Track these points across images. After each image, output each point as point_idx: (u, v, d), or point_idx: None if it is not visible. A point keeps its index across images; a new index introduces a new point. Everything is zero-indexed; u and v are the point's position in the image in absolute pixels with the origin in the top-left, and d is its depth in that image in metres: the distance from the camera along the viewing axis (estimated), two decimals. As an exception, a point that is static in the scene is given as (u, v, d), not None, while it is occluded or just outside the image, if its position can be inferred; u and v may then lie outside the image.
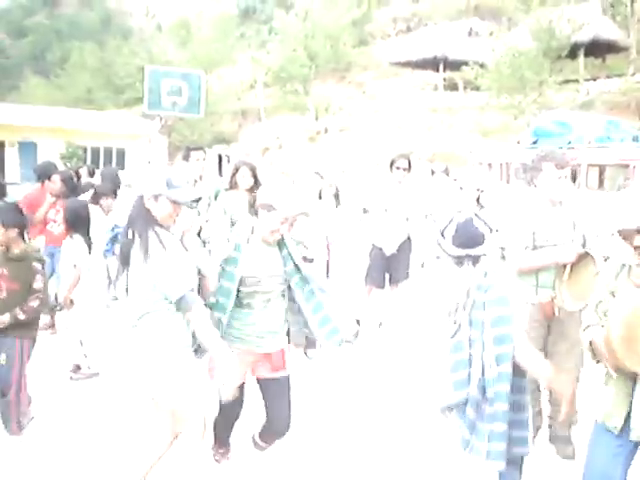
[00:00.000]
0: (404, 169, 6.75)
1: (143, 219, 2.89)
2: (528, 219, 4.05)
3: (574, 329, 4.12)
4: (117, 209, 5.84)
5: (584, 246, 4.06)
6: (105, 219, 5.80)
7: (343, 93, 34.23)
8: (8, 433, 3.87)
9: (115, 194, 6.19)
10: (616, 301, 2.52)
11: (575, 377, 4.17)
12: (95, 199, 5.98)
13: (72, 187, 6.17)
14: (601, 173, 11.55)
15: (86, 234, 5.19)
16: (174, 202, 2.90)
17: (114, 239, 5.52)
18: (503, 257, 4.15)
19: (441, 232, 2.85)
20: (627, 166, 10.66)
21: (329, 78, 35.61)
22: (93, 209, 5.62)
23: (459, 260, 2.81)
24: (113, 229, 5.57)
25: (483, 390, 2.66)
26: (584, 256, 3.79)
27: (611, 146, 11.20)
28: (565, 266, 3.82)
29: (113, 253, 5.62)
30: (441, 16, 38.69)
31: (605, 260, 3.78)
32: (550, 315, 4.05)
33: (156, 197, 2.90)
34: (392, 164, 6.73)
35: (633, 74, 26.69)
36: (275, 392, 3.41)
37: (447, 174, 6.76)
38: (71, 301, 5.02)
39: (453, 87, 31.27)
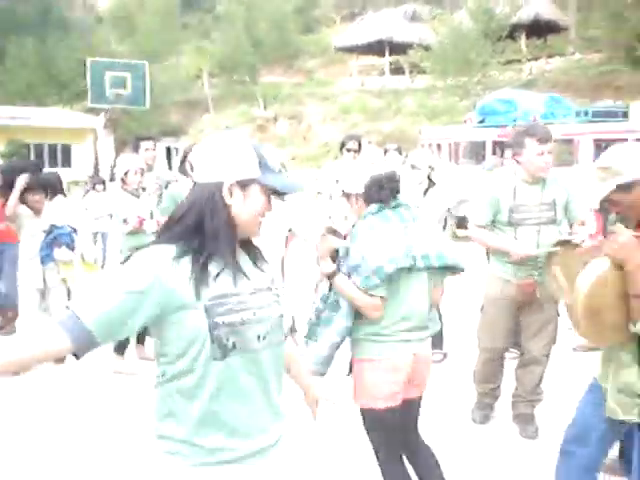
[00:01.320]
0: (355, 151, 6.78)
1: (223, 227, 1.72)
2: (504, 195, 4.05)
3: (549, 308, 4.21)
4: (54, 209, 5.26)
5: (570, 227, 4.09)
6: (36, 220, 5.19)
7: (291, 80, 34.10)
8: None
9: (46, 191, 5.31)
10: (583, 272, 2.54)
11: (547, 352, 4.27)
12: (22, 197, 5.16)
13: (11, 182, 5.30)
14: (547, 149, 11.81)
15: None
16: (273, 192, 1.78)
17: (52, 242, 5.13)
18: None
19: None
20: (571, 141, 10.95)
21: (276, 66, 35.43)
22: (22, 209, 5.15)
23: None
24: (51, 231, 5.15)
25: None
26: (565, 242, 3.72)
27: (555, 122, 11.47)
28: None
29: (52, 259, 5.20)
30: (384, 1, 38.87)
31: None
32: (530, 296, 4.06)
33: (244, 185, 1.73)
34: (342, 146, 6.74)
35: (573, 53, 27.33)
36: None
37: (399, 153, 6.79)
38: None
39: (399, 71, 31.46)
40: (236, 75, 33.01)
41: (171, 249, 1.68)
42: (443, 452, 3.44)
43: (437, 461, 3.02)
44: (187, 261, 1.67)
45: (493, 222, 4.06)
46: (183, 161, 6.52)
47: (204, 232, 1.71)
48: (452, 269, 2.86)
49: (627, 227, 2.70)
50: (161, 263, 1.66)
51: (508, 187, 4.01)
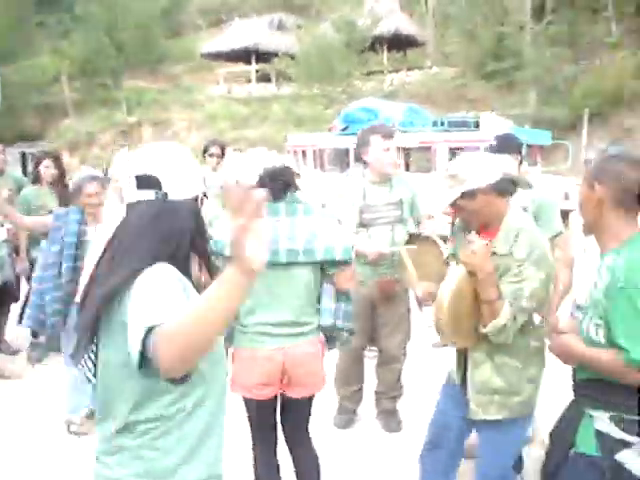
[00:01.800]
0: (217, 156, 6.73)
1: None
2: (353, 198, 4.12)
3: (402, 305, 4.33)
4: None
5: (417, 225, 4.22)
6: None
7: (156, 86, 33.23)
8: None
9: None
10: (445, 281, 2.65)
11: (403, 348, 4.39)
12: None
13: None
14: (407, 156, 12.31)
15: None
16: None
17: None
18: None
19: None
20: (429, 148, 11.46)
21: (140, 70, 34.36)
22: None
23: None
24: None
25: None
26: (425, 240, 3.86)
27: (413, 131, 11.95)
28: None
29: None
30: (251, 8, 38.90)
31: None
32: (387, 294, 4.15)
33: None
34: (205, 151, 6.66)
35: (431, 67, 28.66)
36: None
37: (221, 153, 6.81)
38: None
39: (266, 79, 31.59)
40: (98, 79, 31.65)
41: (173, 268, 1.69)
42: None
43: (319, 473, 3.05)
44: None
45: None
46: (36, 166, 6.20)
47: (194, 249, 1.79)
48: (341, 263, 2.89)
49: (469, 232, 2.85)
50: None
51: (357, 189, 4.11)
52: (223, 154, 7.46)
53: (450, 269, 2.82)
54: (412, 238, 3.87)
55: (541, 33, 20.29)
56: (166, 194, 1.76)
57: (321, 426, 4.51)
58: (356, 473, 3.91)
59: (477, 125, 11.75)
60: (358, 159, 4.27)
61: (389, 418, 4.46)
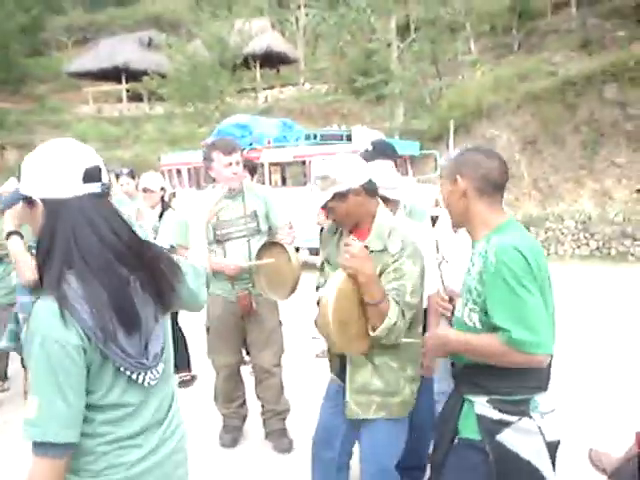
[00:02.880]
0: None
1: None
2: (205, 214, 4.05)
3: (271, 319, 4.29)
4: None
5: (270, 233, 4.19)
6: None
7: (19, 106, 31.59)
8: None
9: None
10: (326, 286, 2.61)
11: (277, 362, 4.34)
12: None
13: None
14: (283, 171, 12.38)
15: None
16: None
17: None
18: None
19: None
20: (303, 162, 11.58)
21: (1, 91, 32.59)
22: None
23: None
24: None
25: None
26: (274, 246, 3.85)
27: (287, 145, 12.05)
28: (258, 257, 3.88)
29: None
30: (119, 27, 38.00)
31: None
32: (248, 309, 4.10)
33: None
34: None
35: (303, 83, 29.19)
36: None
37: (132, 176, 6.60)
38: None
39: (137, 98, 30.89)
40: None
41: None
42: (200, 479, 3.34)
43: None
44: None
45: None
46: None
47: None
48: None
49: (341, 234, 2.87)
50: None
51: (208, 205, 4.06)
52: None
53: (325, 275, 2.83)
54: (263, 247, 3.90)
55: (406, 50, 21.18)
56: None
57: (208, 446, 4.41)
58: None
59: (349, 138, 12.02)
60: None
61: (279, 438, 4.39)
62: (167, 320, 1.92)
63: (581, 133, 15.63)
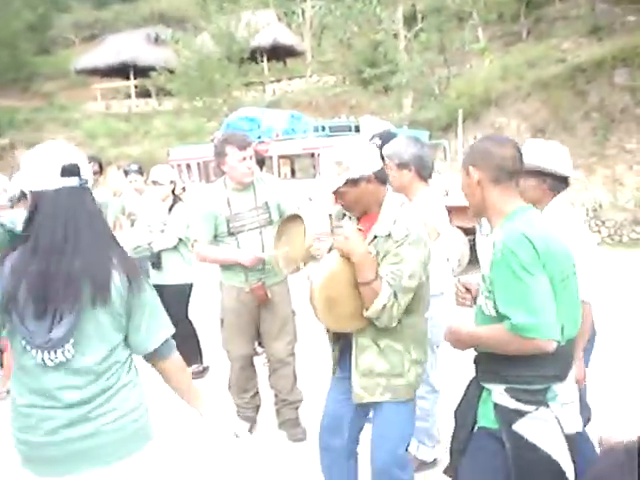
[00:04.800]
0: (95, 172, 6.58)
1: None
2: (218, 206, 4.08)
3: (284, 308, 4.31)
4: None
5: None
6: None
7: (28, 105, 31.72)
8: None
9: None
10: (319, 265, 2.67)
11: (290, 351, 4.36)
12: None
13: None
14: (292, 163, 12.37)
15: None
16: None
17: None
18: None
19: None
20: (312, 154, 11.55)
21: (9, 89, 32.73)
22: None
23: None
24: None
25: None
26: (293, 220, 3.79)
27: (296, 137, 12.03)
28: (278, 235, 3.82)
29: None
30: (125, 23, 38.03)
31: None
32: (263, 298, 4.12)
33: None
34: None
35: (311, 76, 29.13)
36: None
37: (141, 173, 6.65)
38: None
39: (146, 94, 30.94)
40: (-38, 99, 29.89)
41: None
42: (214, 468, 3.37)
43: None
44: None
45: (215, 236, 4.10)
46: None
47: None
48: None
49: (351, 219, 2.89)
50: None
51: (221, 198, 4.09)
52: (101, 171, 7.24)
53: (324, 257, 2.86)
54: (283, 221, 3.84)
55: (413, 40, 21.09)
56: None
57: (223, 437, 4.43)
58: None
59: (357, 129, 11.99)
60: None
61: (292, 428, 4.42)
62: (100, 314, 2.03)
63: (591, 120, 15.53)
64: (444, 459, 4.06)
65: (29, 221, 2.02)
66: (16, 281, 1.95)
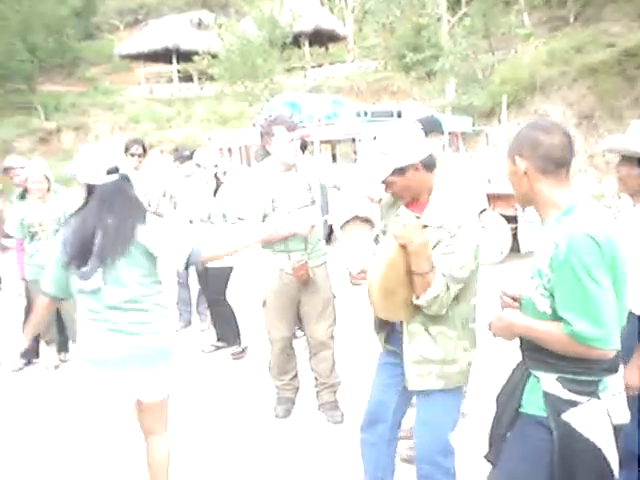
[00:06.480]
0: (139, 155, 6.66)
1: None
2: (264, 187, 4.13)
3: (325, 290, 4.34)
4: None
5: (326, 207, 4.25)
6: None
7: (73, 89, 32.25)
8: None
9: None
10: (376, 254, 2.66)
11: (331, 334, 4.39)
12: None
13: None
14: (333, 148, 12.36)
15: None
16: None
17: None
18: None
19: None
20: (354, 140, 11.52)
21: (56, 74, 33.30)
22: None
23: None
24: None
25: None
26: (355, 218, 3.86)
27: (337, 122, 12.00)
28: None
29: None
30: (169, 8, 38.29)
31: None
32: (305, 278, 4.15)
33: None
34: (126, 150, 6.56)
35: (352, 61, 28.95)
36: None
37: (191, 157, 6.72)
38: None
39: (188, 78, 31.16)
40: (10, 83, 30.45)
41: None
42: (254, 448, 3.41)
43: None
44: None
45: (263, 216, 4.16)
46: None
47: None
48: None
49: (399, 207, 2.88)
50: None
51: (267, 179, 4.14)
52: (145, 153, 7.34)
53: (380, 244, 2.85)
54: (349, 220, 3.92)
55: (457, 24, 20.75)
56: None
57: (262, 417, 4.51)
58: (300, 463, 3.90)
59: (400, 114, 11.90)
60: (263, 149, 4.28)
61: (331, 410, 4.47)
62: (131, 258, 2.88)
63: (640, 106, 15.12)
64: (472, 413, 4.06)
65: (85, 202, 2.98)
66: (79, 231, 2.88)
